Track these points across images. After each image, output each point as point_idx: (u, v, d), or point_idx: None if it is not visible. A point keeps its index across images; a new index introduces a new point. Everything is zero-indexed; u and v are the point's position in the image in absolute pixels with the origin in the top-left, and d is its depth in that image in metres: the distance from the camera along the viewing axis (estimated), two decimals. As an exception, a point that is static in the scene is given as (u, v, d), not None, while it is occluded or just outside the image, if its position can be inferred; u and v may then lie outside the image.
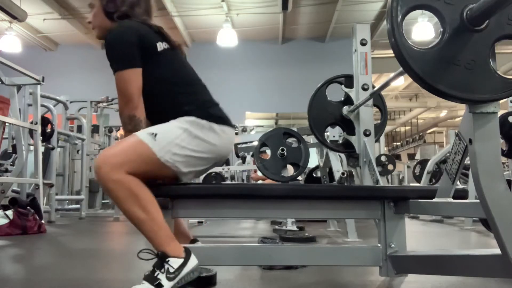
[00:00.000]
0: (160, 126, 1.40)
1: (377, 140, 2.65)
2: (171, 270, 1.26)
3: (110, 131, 7.53)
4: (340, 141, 2.63)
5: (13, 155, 4.88)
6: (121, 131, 1.75)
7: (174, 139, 1.36)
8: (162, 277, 1.24)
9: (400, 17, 0.98)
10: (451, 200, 1.22)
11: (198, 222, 4.44)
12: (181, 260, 1.28)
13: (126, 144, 1.35)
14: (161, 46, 1.48)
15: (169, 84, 1.49)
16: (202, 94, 1.53)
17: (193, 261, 1.31)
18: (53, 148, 4.84)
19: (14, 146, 4.44)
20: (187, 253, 1.31)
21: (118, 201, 1.30)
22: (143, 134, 1.35)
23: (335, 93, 2.62)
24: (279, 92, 9.64)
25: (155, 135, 1.35)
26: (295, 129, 3.46)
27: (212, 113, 1.46)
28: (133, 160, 1.31)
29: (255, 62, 10.00)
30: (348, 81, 2.46)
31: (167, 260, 1.27)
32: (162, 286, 1.23)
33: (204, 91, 1.55)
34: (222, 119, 1.48)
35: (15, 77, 3.97)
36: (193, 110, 1.43)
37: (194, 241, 1.51)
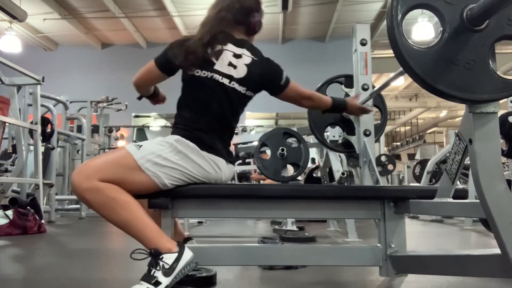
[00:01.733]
0: (148, 141, 1.43)
1: (377, 140, 2.65)
2: (166, 266, 1.25)
3: (110, 131, 7.52)
4: (340, 141, 2.63)
5: (13, 155, 4.88)
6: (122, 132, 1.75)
7: (157, 151, 1.37)
8: (158, 274, 1.24)
9: (400, 16, 0.98)
10: (451, 200, 1.22)
11: (198, 222, 4.44)
12: (175, 255, 1.27)
13: (110, 154, 1.40)
14: None
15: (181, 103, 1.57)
16: (201, 122, 1.49)
17: (187, 254, 1.30)
18: (53, 148, 4.84)
19: (14, 146, 4.44)
20: (180, 247, 1.30)
21: (97, 209, 1.30)
22: (129, 146, 1.38)
23: (335, 93, 2.62)
24: (279, 92, 9.63)
25: (140, 146, 1.38)
26: (295, 129, 3.46)
27: (202, 139, 1.43)
28: (109, 168, 1.31)
29: (255, 62, 9.99)
30: (348, 81, 2.46)
31: (160, 257, 1.26)
32: (160, 283, 1.23)
33: (204, 119, 1.49)
34: (213, 149, 1.45)
35: (15, 77, 3.97)
36: (181, 131, 1.45)
37: (188, 239, 1.49)
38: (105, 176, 1.29)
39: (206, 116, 1.48)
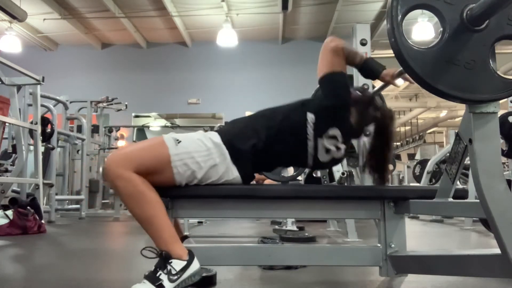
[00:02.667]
0: (185, 135, 1.43)
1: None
2: (173, 271, 1.25)
3: (110, 131, 7.53)
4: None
5: (13, 155, 4.88)
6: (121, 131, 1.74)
7: (193, 151, 1.38)
8: (164, 278, 1.24)
9: (400, 16, 0.98)
10: (451, 200, 1.22)
11: (198, 222, 4.44)
12: (184, 263, 1.28)
13: (147, 142, 1.42)
14: None
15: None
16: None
17: (195, 265, 1.30)
18: (53, 148, 4.84)
19: (14, 146, 4.44)
20: (191, 256, 1.30)
21: (124, 198, 1.31)
22: (168, 137, 1.39)
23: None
24: (279, 92, 9.62)
25: (179, 142, 1.38)
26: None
27: (238, 149, 1.43)
28: (144, 157, 1.33)
29: (255, 62, 9.99)
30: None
31: (170, 261, 1.26)
32: (164, 287, 1.23)
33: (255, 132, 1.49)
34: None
35: (15, 77, 3.97)
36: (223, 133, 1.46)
37: (185, 237, 1.49)
38: (138, 164, 1.31)
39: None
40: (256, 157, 1.46)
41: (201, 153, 1.38)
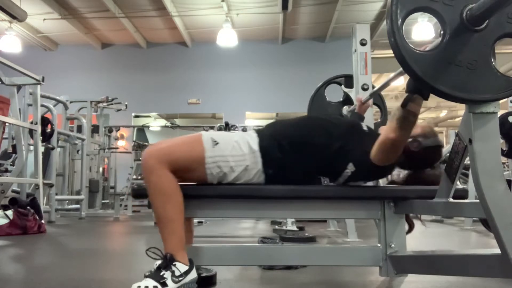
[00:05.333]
0: (224, 135, 1.45)
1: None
2: (177, 273, 1.27)
3: (110, 131, 7.53)
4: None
5: (13, 155, 4.88)
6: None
7: (228, 154, 1.40)
8: (168, 276, 1.26)
9: (400, 21, 0.98)
10: (451, 200, 1.22)
11: (198, 222, 4.44)
12: (186, 267, 1.31)
13: (186, 139, 1.44)
14: None
15: None
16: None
17: (194, 273, 1.33)
18: (53, 148, 4.84)
19: (14, 146, 4.44)
20: (191, 264, 1.34)
21: (151, 192, 1.35)
22: (207, 137, 1.41)
23: (335, 93, 2.62)
24: (279, 92, 9.63)
25: (216, 143, 1.40)
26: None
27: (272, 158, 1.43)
28: (182, 155, 1.37)
29: (255, 62, 9.99)
30: (347, 81, 2.46)
31: (174, 263, 1.29)
32: (167, 285, 1.24)
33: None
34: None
35: (15, 77, 3.97)
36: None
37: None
38: (174, 160, 1.35)
39: None
40: (285, 171, 1.46)
41: (235, 157, 1.40)
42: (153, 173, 1.33)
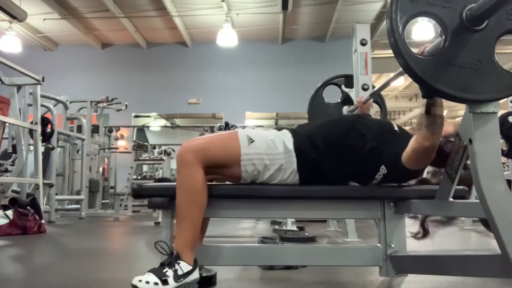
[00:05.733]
0: (260, 133, 1.45)
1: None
2: (180, 272, 1.28)
3: (110, 131, 7.53)
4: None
5: (13, 155, 4.88)
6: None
7: (264, 152, 1.40)
8: (170, 275, 1.27)
9: (401, 28, 0.98)
10: (451, 200, 1.22)
11: (198, 222, 4.43)
12: (190, 267, 1.31)
13: (222, 136, 1.46)
14: None
15: None
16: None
17: (196, 274, 1.34)
18: (53, 148, 4.84)
19: (14, 146, 4.44)
20: (195, 264, 1.34)
21: (179, 187, 1.36)
22: (243, 135, 1.42)
23: (334, 93, 2.62)
24: (279, 92, 9.63)
25: (252, 141, 1.40)
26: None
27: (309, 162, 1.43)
28: (218, 152, 1.38)
29: (255, 62, 9.98)
30: (346, 81, 2.46)
31: (178, 261, 1.30)
32: (168, 283, 1.25)
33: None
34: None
35: (15, 77, 3.97)
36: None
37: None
38: (209, 155, 1.37)
39: None
40: (319, 173, 1.45)
41: (270, 156, 1.40)
42: (186, 167, 1.34)
